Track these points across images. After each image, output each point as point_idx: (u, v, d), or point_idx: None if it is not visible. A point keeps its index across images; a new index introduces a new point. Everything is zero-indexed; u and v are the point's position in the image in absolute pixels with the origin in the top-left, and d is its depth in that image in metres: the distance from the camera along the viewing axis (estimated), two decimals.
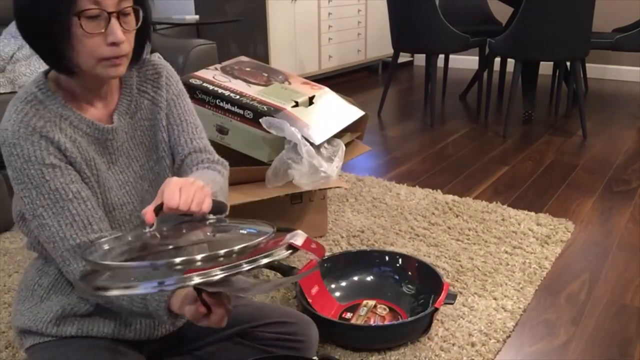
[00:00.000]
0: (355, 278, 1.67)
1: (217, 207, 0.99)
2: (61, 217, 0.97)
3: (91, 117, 1.04)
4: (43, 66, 2.73)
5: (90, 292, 0.82)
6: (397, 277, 1.64)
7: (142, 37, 1.03)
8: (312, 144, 1.75)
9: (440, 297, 1.42)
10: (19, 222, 1.09)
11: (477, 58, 3.98)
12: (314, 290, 1.53)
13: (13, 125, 0.96)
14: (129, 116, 1.09)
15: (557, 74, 3.85)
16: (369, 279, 1.67)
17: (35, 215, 0.97)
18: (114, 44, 0.94)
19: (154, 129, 1.13)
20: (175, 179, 0.95)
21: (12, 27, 2.61)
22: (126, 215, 1.08)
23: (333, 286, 1.64)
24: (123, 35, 0.94)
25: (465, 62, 5.29)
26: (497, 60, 4.34)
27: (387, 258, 1.68)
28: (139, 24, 0.99)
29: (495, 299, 1.63)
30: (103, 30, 0.92)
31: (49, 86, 1.00)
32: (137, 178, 1.10)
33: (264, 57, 4.02)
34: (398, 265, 1.65)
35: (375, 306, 1.57)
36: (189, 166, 1.14)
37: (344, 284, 1.65)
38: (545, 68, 4.55)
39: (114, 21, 0.93)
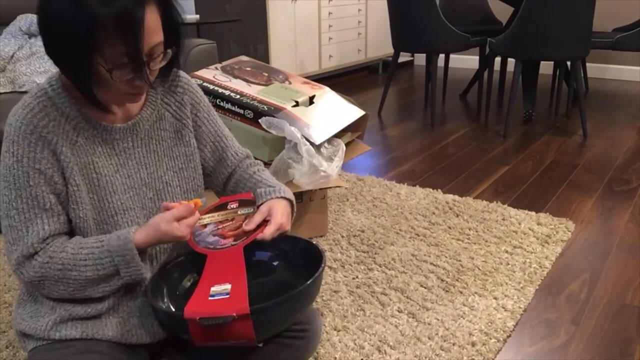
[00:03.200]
0: None
1: None
2: (31, 225, 0.98)
3: (103, 120, 1.04)
4: (43, 66, 2.73)
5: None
6: None
7: (173, 61, 1.04)
8: (312, 143, 1.75)
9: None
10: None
11: (477, 58, 3.98)
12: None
13: (17, 121, 0.97)
14: (149, 124, 1.10)
15: (558, 73, 3.85)
16: None
17: (8, 215, 0.99)
18: (140, 87, 0.97)
19: (175, 142, 1.14)
20: (284, 204, 1.13)
21: (12, 27, 2.61)
22: (128, 221, 1.07)
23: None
24: (150, 78, 0.97)
25: (466, 61, 5.28)
26: (498, 59, 4.34)
27: None
28: (170, 57, 1.01)
29: (495, 298, 1.63)
30: (131, 77, 0.94)
31: (62, 84, 1.01)
32: (142, 185, 1.10)
33: (264, 57, 4.02)
34: None
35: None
36: (244, 172, 1.25)
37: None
38: (546, 68, 4.55)
39: (144, 70, 0.95)
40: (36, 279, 0.99)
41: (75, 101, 1.01)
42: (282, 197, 1.16)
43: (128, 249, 0.99)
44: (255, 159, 1.47)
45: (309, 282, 1.01)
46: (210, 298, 0.99)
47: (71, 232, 1.05)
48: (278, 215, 1.11)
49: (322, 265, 1.06)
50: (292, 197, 1.20)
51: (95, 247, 1.00)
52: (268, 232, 1.08)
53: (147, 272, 1.05)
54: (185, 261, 1.15)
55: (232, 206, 1.18)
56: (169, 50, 0.99)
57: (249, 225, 1.11)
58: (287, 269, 1.20)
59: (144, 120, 1.09)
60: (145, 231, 1.01)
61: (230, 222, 1.13)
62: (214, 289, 1.02)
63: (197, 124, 1.18)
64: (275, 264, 1.21)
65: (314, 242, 1.17)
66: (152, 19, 0.92)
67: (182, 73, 1.16)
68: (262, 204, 1.15)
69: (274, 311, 0.97)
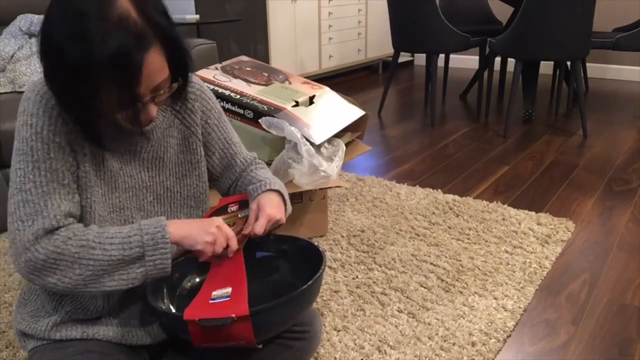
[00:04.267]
0: None
1: None
2: (49, 198, 0.94)
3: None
4: None
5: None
6: None
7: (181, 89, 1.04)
8: (312, 143, 1.75)
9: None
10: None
11: (477, 58, 3.98)
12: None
13: (36, 96, 0.94)
14: (160, 131, 1.09)
15: (558, 73, 3.85)
16: None
17: (23, 189, 0.93)
18: (143, 123, 0.96)
19: (182, 150, 1.14)
20: (272, 195, 1.14)
21: (12, 27, 2.61)
22: (122, 220, 1.06)
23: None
24: (155, 111, 0.96)
25: (466, 61, 5.28)
26: (498, 59, 4.35)
27: None
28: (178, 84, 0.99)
29: (495, 298, 1.63)
30: (132, 117, 0.93)
31: None
32: (142, 187, 1.09)
33: (264, 57, 4.02)
34: None
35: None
36: (248, 174, 1.25)
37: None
38: (546, 68, 4.55)
39: (149, 106, 0.93)
40: (52, 256, 0.91)
41: None
42: (269, 190, 1.16)
43: (160, 227, 0.97)
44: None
45: (309, 284, 1.01)
46: (210, 301, 1.00)
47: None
48: (266, 207, 1.11)
49: (323, 266, 1.07)
50: (282, 188, 1.20)
51: (125, 228, 0.97)
52: (258, 227, 1.08)
53: (170, 266, 0.99)
54: (185, 262, 1.16)
55: (232, 209, 1.18)
56: (175, 84, 0.97)
57: (247, 230, 1.11)
58: (288, 269, 1.20)
59: (157, 128, 1.09)
60: (178, 223, 1.02)
61: (232, 227, 1.13)
62: (215, 292, 1.02)
63: (207, 130, 1.18)
64: (276, 263, 1.21)
65: (315, 243, 1.17)
66: (155, 61, 0.89)
67: (194, 79, 1.14)
68: (252, 202, 1.15)
69: (273, 313, 0.97)
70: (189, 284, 1.15)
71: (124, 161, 1.05)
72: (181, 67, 0.97)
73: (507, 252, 1.90)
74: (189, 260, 1.15)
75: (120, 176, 1.05)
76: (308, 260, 1.13)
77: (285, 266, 1.21)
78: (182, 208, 1.16)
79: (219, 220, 1.06)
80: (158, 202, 1.12)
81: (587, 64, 4.64)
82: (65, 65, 0.85)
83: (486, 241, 1.97)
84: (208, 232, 1.02)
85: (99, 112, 0.91)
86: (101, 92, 0.87)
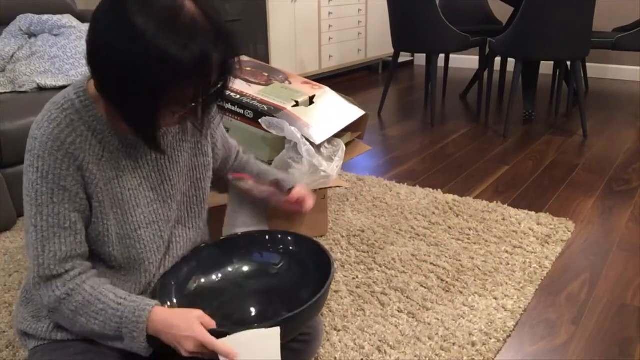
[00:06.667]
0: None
1: None
2: (47, 244, 0.96)
3: (129, 134, 1.01)
4: (43, 66, 2.73)
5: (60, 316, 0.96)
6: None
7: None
8: (312, 143, 1.75)
9: None
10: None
11: (477, 58, 3.98)
12: None
13: (43, 136, 0.93)
14: (172, 135, 1.09)
15: (558, 73, 3.85)
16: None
17: (27, 231, 0.97)
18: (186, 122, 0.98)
19: (195, 153, 1.14)
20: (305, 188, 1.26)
21: (12, 27, 2.61)
22: (150, 235, 1.06)
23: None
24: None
25: (466, 61, 5.28)
26: (498, 59, 4.34)
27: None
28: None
29: (495, 298, 1.63)
30: (185, 115, 0.94)
31: (89, 95, 0.97)
32: (167, 197, 1.08)
33: (264, 57, 4.02)
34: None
35: None
36: (239, 162, 1.34)
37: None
38: (546, 68, 4.55)
39: (199, 110, 0.95)
40: (49, 308, 0.98)
41: (103, 115, 0.97)
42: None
43: (138, 329, 0.95)
44: (256, 159, 1.49)
45: (315, 299, 0.99)
46: None
47: (89, 251, 1.03)
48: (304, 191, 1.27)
49: (330, 276, 1.05)
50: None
51: (110, 307, 0.96)
52: (308, 204, 1.25)
53: (150, 352, 0.98)
54: (192, 260, 1.17)
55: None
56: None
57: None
58: (296, 270, 1.19)
59: (169, 132, 1.08)
60: (169, 315, 0.96)
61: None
62: None
63: (213, 129, 1.19)
64: (284, 265, 1.21)
65: (325, 248, 1.16)
66: (219, 61, 0.89)
67: None
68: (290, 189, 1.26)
69: (282, 327, 0.96)
70: (194, 285, 1.16)
71: (143, 176, 1.05)
72: (226, 72, 0.95)
73: (507, 252, 1.90)
74: (196, 259, 1.17)
75: (140, 192, 1.04)
76: (317, 263, 1.13)
77: (294, 268, 1.20)
78: (199, 212, 1.17)
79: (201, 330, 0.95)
80: (179, 209, 1.12)
81: (587, 64, 4.64)
82: (135, 75, 0.83)
83: (486, 241, 1.97)
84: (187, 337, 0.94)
85: (160, 114, 0.90)
86: (171, 95, 0.86)
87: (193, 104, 0.90)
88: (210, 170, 1.18)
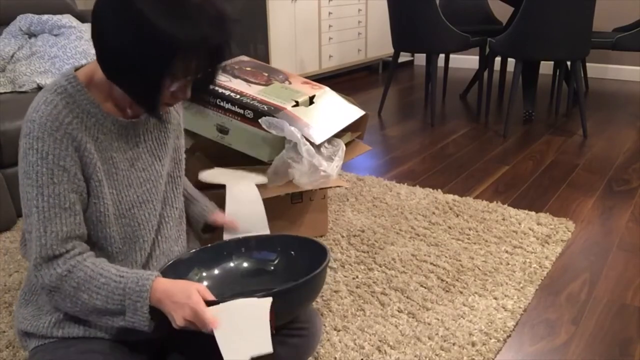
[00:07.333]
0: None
1: None
2: (49, 224, 0.97)
3: (119, 116, 1.05)
4: (43, 66, 2.72)
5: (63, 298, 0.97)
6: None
7: None
8: (312, 143, 1.75)
9: None
10: (22, 245, 1.10)
11: (477, 58, 3.98)
12: None
13: (41, 118, 0.95)
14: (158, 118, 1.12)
15: (558, 73, 3.85)
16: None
17: (28, 214, 0.98)
18: (180, 99, 1.00)
19: (177, 135, 1.19)
20: None
21: (12, 27, 2.61)
22: (145, 213, 1.09)
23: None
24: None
25: (466, 61, 5.28)
26: (498, 59, 4.34)
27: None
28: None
29: (495, 298, 1.63)
30: (181, 91, 0.98)
31: (80, 81, 1.01)
32: (158, 177, 1.12)
33: (265, 57, 4.02)
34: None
35: None
36: None
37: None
38: (546, 68, 4.55)
39: (189, 84, 0.98)
40: (49, 288, 0.98)
41: (94, 98, 1.01)
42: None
43: (142, 298, 0.96)
44: (256, 158, 1.50)
45: (312, 275, 1.01)
46: None
47: (88, 235, 1.04)
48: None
49: (327, 259, 1.08)
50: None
51: (113, 280, 0.97)
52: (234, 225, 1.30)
53: (152, 327, 0.99)
54: (193, 256, 1.18)
55: None
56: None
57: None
58: (292, 268, 1.21)
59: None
60: (170, 285, 0.97)
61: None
62: None
63: (178, 113, 1.23)
64: (278, 263, 1.23)
65: (319, 241, 1.18)
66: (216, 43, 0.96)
67: None
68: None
69: (276, 303, 0.97)
70: (196, 278, 1.18)
71: (134, 157, 1.08)
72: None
73: (507, 252, 1.90)
74: (196, 254, 1.19)
75: (132, 172, 1.08)
76: (312, 259, 1.14)
77: (290, 266, 1.22)
78: (180, 193, 1.21)
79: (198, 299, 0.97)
80: (171, 190, 1.16)
81: (587, 64, 4.64)
82: (144, 55, 0.89)
83: (486, 241, 1.97)
84: (193, 304, 0.95)
85: (163, 85, 0.95)
86: (175, 71, 0.92)
87: (189, 78, 0.96)
88: (183, 152, 1.23)
